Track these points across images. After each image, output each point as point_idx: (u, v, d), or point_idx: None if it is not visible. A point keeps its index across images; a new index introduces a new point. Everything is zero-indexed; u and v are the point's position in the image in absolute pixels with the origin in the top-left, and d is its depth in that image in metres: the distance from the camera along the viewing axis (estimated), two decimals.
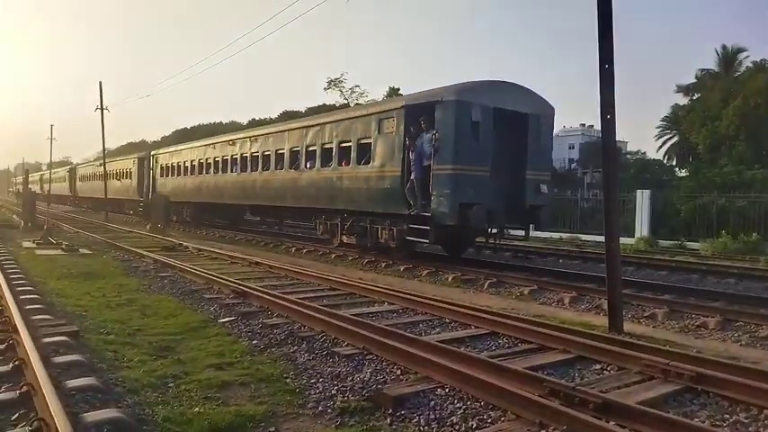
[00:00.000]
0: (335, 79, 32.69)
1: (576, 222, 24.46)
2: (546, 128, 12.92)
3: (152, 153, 30.99)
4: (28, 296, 7.40)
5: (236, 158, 20.78)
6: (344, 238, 15.31)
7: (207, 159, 23.49)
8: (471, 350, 5.64)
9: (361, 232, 14.60)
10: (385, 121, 13.23)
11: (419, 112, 12.37)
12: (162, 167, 28.37)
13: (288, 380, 4.82)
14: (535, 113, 12.55)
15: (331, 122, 15.60)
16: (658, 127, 46.51)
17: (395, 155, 12.75)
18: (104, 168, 34.17)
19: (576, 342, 5.62)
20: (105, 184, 33.39)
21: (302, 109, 59.43)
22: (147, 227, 22.63)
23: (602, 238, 7.47)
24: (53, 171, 57.89)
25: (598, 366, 5.22)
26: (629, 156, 51.60)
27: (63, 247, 14.75)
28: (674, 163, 45.18)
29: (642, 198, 21.64)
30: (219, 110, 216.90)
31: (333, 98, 36.96)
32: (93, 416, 3.56)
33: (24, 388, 3.91)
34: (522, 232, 14.08)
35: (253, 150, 19.61)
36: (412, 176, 12.26)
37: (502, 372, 4.55)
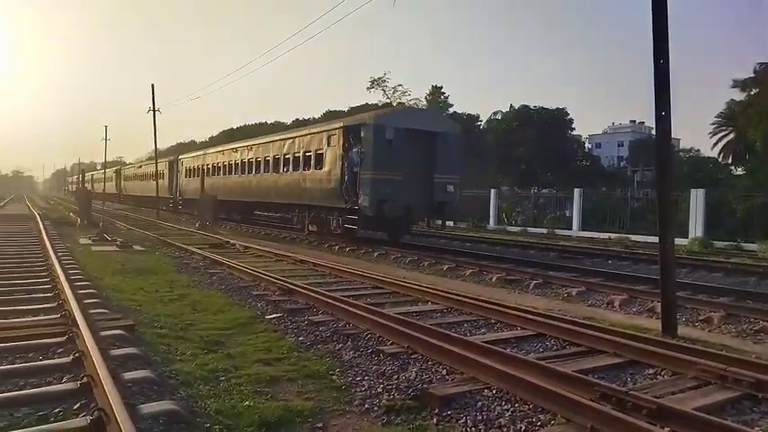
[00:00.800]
0: (378, 79, 32.76)
1: (626, 222, 23.76)
2: (452, 142, 16.77)
3: (179, 157, 34.93)
4: (86, 291, 7.69)
5: (238, 163, 24.98)
6: (310, 227, 19.20)
7: (217, 163, 27.59)
8: (518, 351, 5.56)
9: (320, 222, 18.55)
10: (332, 137, 17.28)
11: (352, 132, 16.34)
12: (186, 170, 32.72)
13: (334, 377, 4.87)
14: (442, 132, 16.53)
15: (299, 136, 19.82)
16: (713, 124, 44.59)
17: (337, 163, 16.64)
18: (156, 168, 35.40)
19: (628, 345, 5.46)
20: (157, 182, 34.72)
21: (345, 108, 59.99)
22: (197, 224, 23.25)
23: (653, 239, 7.31)
24: (100, 171, 60.24)
25: (651, 371, 5.07)
26: (682, 153, 49.79)
27: (117, 243, 15.32)
28: (730, 161, 43.27)
29: (696, 197, 20.84)
30: (265, 110, 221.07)
31: (376, 97, 37.10)
32: (149, 407, 3.68)
33: (85, 379, 4.06)
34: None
35: (249, 157, 23.80)
36: (346, 179, 16.05)
37: (551, 374, 4.47)
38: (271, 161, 21.60)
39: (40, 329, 5.61)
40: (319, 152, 17.89)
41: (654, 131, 6.93)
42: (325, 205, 17.72)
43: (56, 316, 6.15)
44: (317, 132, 18.54)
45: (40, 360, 4.80)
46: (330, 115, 60.55)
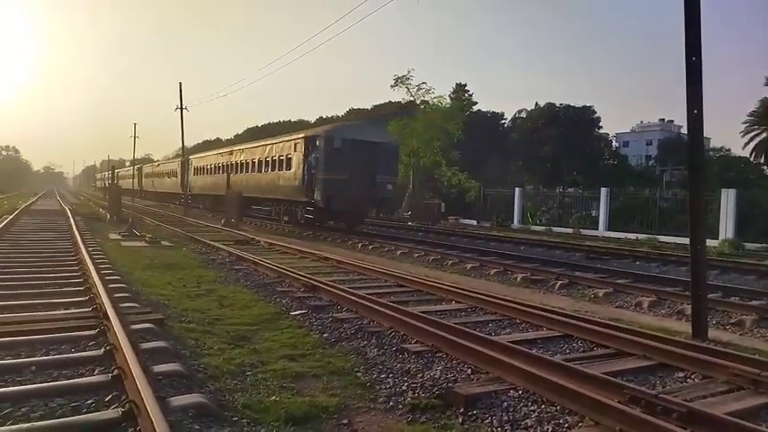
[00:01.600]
0: (402, 77, 32.44)
1: (655, 223, 23.31)
2: (391, 151, 21.71)
3: (189, 158, 38.78)
4: (116, 285, 7.83)
5: (232, 164, 28.68)
6: (285, 218, 23.49)
7: (217, 164, 31.34)
8: (544, 352, 5.51)
9: (290, 213, 22.84)
10: (297, 144, 21.31)
11: (311, 141, 20.41)
12: (195, 169, 36.43)
13: (359, 374, 4.89)
14: (383, 142, 21.03)
15: (276, 143, 23.98)
16: (745, 122, 43.52)
17: (300, 166, 20.64)
18: (183, 166, 36.21)
19: (657, 348, 5.37)
20: (181, 179, 35.37)
21: (369, 106, 60.05)
22: (222, 221, 23.54)
23: (682, 240, 7.20)
24: (124, 169, 61.55)
25: (681, 374, 4.98)
26: (712, 153, 48.63)
27: (146, 239, 15.59)
28: (762, 160, 42.14)
29: (727, 198, 20.36)
30: (290, 108, 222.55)
31: (400, 95, 36.99)
32: (179, 400, 3.74)
33: (116, 371, 4.15)
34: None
35: (239, 159, 28.00)
36: (306, 179, 20.10)
37: (578, 376, 4.42)
38: (257, 163, 25.68)
39: (72, 322, 5.75)
40: (289, 157, 21.96)
41: (684, 130, 6.79)
42: (293, 199, 21.76)
43: (87, 309, 6.27)
44: (288, 141, 22.84)
45: (73, 352, 4.92)
46: (353, 113, 60.95)
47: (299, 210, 21.57)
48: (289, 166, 21.86)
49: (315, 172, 19.84)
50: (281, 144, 23.27)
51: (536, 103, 50.53)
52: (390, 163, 21.36)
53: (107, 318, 5.52)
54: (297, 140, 21.63)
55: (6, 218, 19.58)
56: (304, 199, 20.42)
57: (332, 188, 19.26)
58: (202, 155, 37.01)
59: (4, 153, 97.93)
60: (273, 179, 23.30)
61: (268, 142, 25.19)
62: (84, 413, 3.63)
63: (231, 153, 29.82)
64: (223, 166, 30.22)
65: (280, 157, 22.92)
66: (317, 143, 20.06)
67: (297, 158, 21.13)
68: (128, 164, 76.50)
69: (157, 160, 67.60)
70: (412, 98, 33.42)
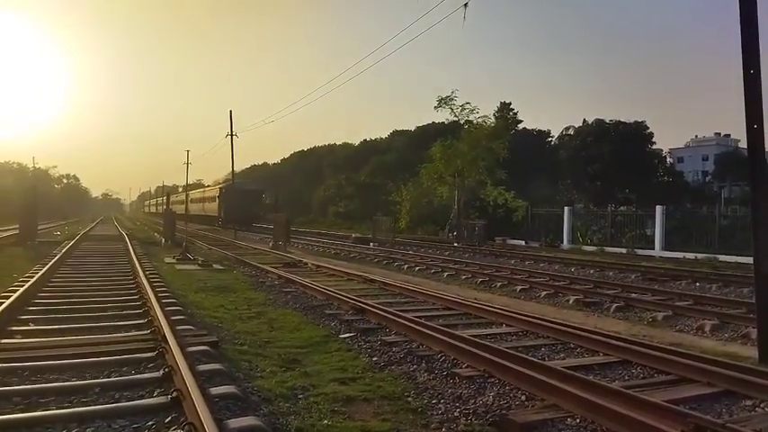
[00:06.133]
0: (446, 97, 32.42)
1: (715, 241, 22.30)
2: (257, 194, 51.46)
3: (188, 192, 64.28)
4: (172, 308, 8.05)
5: (198, 198, 57.94)
6: (217, 224, 45.99)
7: (196, 197, 58.45)
8: (602, 378, 5.33)
9: (215, 221, 47.93)
10: (216, 191, 50.65)
11: (221, 190, 48.53)
12: (191, 199, 60.19)
13: (409, 398, 4.85)
14: (256, 189, 52.56)
15: (213, 187, 58.39)
16: None
17: (217, 201, 48.77)
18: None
19: (722, 374, 5.12)
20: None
21: (412, 128, 60.42)
22: (270, 244, 24.03)
23: (743, 259, 6.88)
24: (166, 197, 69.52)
25: (749, 402, 4.73)
26: None
27: (199, 262, 16.06)
28: None
29: None
30: (336, 131, 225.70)
31: (443, 116, 36.94)
32: (236, 422, 3.79)
33: (174, 393, 4.26)
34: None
35: (201, 195, 58.40)
36: (220, 207, 48.05)
37: (639, 404, 4.24)
38: (205, 198, 54.41)
39: (132, 344, 5.96)
40: (215, 196, 48.46)
41: (741, 144, 6.52)
42: (216, 216, 47.02)
43: (146, 332, 6.49)
44: (216, 188, 49.79)
45: (133, 374, 5.08)
46: (396, 134, 61.84)
47: (218, 220, 46.06)
48: (215, 201, 47.77)
49: (222, 204, 45.61)
50: (214, 189, 49.41)
51: (584, 120, 49.61)
52: (256, 199, 48.42)
53: (165, 340, 5.68)
54: (216, 189, 49.22)
55: (68, 243, 20.56)
56: (220, 216, 45.71)
57: (228, 211, 43.66)
58: (192, 191, 63.60)
59: (65, 181, 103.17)
60: (211, 206, 49.14)
61: (209, 187, 55.36)
62: None
63: (200, 192, 59.98)
64: (198, 198, 57.65)
65: (213, 196, 49.04)
66: (222, 191, 45.92)
67: (218, 197, 47.06)
68: (180, 189, 79.94)
69: (215, 182, 75.61)
70: (456, 118, 33.33)
